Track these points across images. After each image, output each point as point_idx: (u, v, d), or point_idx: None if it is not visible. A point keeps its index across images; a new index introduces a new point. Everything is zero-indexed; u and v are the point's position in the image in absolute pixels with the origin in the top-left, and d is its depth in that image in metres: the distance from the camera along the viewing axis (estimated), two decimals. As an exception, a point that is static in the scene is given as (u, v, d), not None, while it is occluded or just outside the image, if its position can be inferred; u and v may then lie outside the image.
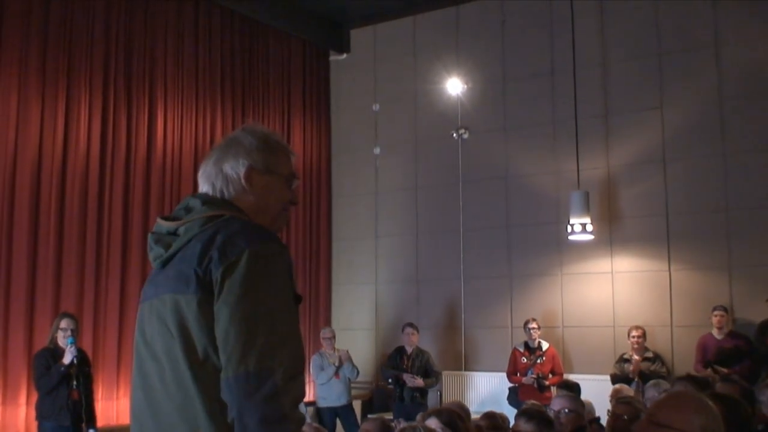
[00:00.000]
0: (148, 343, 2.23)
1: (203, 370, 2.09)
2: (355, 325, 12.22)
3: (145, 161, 9.98)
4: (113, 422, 8.96)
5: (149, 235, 2.34)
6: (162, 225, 2.32)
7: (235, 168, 2.37)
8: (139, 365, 2.26)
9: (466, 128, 11.35)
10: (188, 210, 2.31)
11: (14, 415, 8.36)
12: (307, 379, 9.91)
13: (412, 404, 9.69)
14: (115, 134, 9.65)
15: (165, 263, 2.27)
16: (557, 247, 10.70)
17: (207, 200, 2.34)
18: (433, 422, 4.44)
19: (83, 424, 7.73)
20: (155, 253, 2.29)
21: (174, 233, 2.28)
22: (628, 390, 8.24)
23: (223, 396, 2.05)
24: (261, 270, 2.11)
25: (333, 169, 12.91)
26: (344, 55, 12.90)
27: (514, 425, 4.80)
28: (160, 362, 2.17)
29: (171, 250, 2.25)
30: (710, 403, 2.81)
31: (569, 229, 10.01)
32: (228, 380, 2.04)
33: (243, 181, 2.36)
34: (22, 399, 8.39)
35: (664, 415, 2.77)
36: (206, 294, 2.10)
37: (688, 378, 6.04)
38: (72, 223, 9.07)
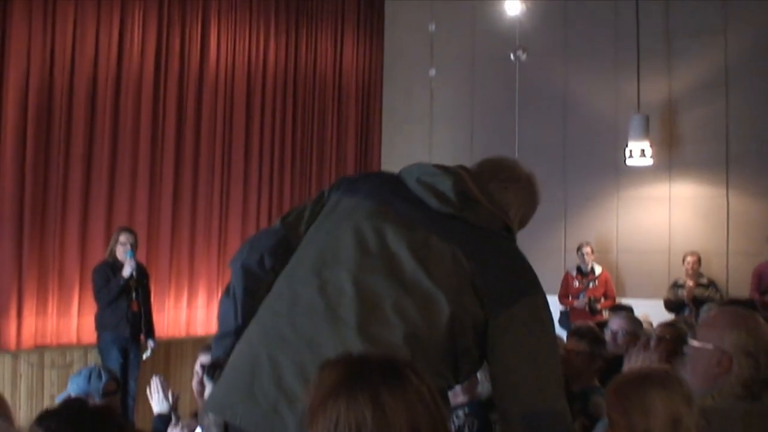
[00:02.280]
0: (391, 256, 2.27)
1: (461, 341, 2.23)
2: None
3: (197, 80, 9.99)
4: (164, 334, 9.13)
5: (431, 172, 2.42)
6: (444, 183, 2.38)
7: (512, 205, 2.53)
8: (355, 259, 2.28)
9: (524, 49, 11.13)
10: (464, 186, 2.40)
11: (68, 325, 8.56)
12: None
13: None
14: (169, 53, 9.64)
15: (434, 213, 2.36)
16: (614, 172, 10.54)
17: (493, 206, 2.44)
18: None
19: (142, 336, 7.92)
20: (439, 197, 2.36)
21: (447, 198, 2.37)
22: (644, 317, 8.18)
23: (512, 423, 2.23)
24: (547, 314, 2.33)
25: (385, 91, 12.77)
26: (400, -27, 12.69)
27: (567, 344, 4.81)
28: (406, 286, 2.23)
29: (456, 212, 2.35)
30: (757, 319, 2.77)
31: (627, 153, 9.88)
32: (533, 414, 2.21)
33: (506, 219, 2.49)
34: (74, 310, 8.58)
35: (703, 334, 2.79)
36: (478, 300, 2.25)
37: (732, 302, 5.99)
38: (125, 140, 9.15)
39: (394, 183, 2.47)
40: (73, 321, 8.57)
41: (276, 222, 2.58)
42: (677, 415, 2.28)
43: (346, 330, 2.13)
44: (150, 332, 7.98)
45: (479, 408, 4.23)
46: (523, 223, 2.62)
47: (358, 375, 1.54)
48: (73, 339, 8.54)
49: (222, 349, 2.43)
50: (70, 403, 2.87)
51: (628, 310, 7.97)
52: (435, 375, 2.15)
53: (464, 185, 2.39)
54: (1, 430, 0.96)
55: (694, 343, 2.78)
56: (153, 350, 8.07)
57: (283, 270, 2.41)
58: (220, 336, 2.48)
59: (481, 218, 2.38)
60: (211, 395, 2.33)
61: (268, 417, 2.05)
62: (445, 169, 2.43)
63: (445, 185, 2.37)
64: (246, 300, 2.42)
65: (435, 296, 2.21)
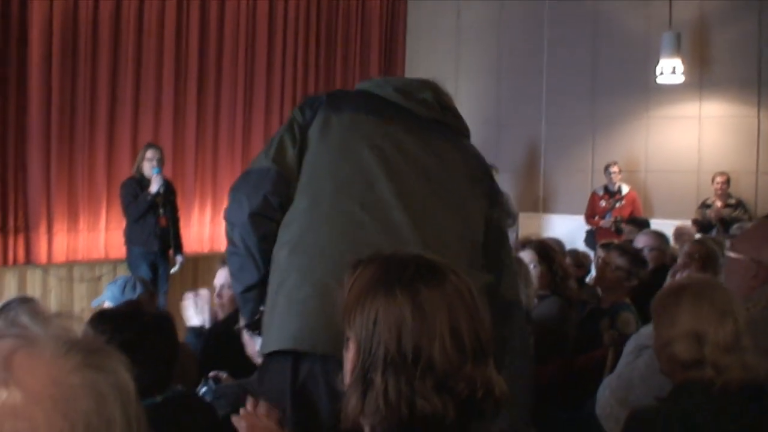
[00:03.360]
0: (414, 161, 2.35)
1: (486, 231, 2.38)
2: (434, 166, 12.13)
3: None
4: (191, 250, 9.21)
5: (406, 82, 2.53)
6: (426, 97, 2.48)
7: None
8: (387, 174, 2.31)
9: (554, -36, 10.91)
10: (441, 97, 2.53)
11: (96, 240, 8.65)
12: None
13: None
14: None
15: (425, 121, 2.46)
16: (644, 90, 10.37)
17: (460, 120, 2.59)
18: (527, 254, 4.43)
19: (170, 251, 7.98)
20: (424, 104, 2.46)
21: (433, 106, 2.49)
22: (690, 230, 8.15)
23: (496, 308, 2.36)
24: None
25: (410, 7, 12.58)
26: None
27: (606, 256, 4.76)
28: (440, 188, 2.33)
29: (442, 119, 2.48)
30: None
31: (658, 71, 9.73)
32: (512, 303, 2.36)
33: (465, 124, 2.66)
34: (103, 225, 8.66)
35: (739, 246, 2.79)
36: (487, 198, 2.41)
37: (771, 216, 5.93)
38: (149, 56, 9.10)
39: (372, 97, 2.48)
40: (101, 236, 8.65)
41: (258, 162, 2.49)
42: (701, 330, 2.24)
43: (406, 242, 2.16)
44: (178, 247, 8.04)
45: None
46: None
47: (396, 272, 1.52)
48: (102, 254, 8.62)
49: (252, 302, 2.43)
50: (127, 306, 2.87)
51: (645, 224, 7.97)
52: (483, 269, 2.26)
53: (442, 95, 2.51)
54: (37, 311, 0.99)
55: (731, 254, 2.76)
56: (182, 264, 8.14)
57: (294, 203, 2.38)
58: (245, 290, 2.46)
59: (458, 123, 2.52)
60: (278, 333, 2.29)
61: None
62: (418, 80, 2.54)
63: (427, 94, 2.46)
64: (262, 247, 2.39)
65: (470, 199, 2.32)
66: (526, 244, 4.60)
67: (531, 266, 4.33)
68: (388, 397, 1.45)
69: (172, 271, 8.06)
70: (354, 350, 1.52)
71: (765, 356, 2.45)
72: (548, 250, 4.47)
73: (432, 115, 2.42)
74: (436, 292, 1.48)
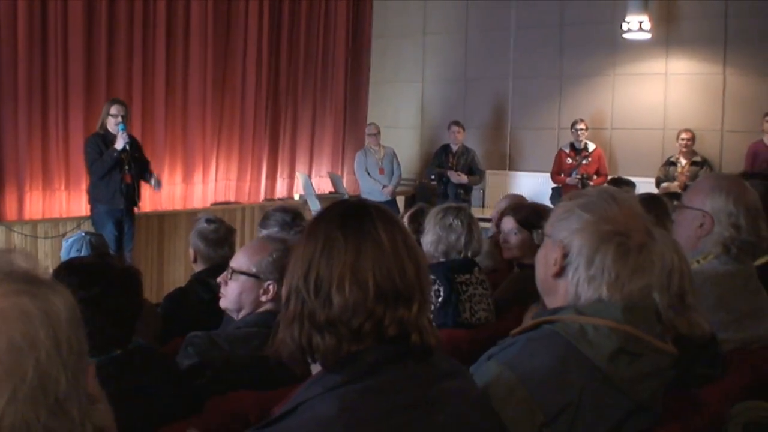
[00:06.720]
0: None
1: None
2: (401, 124, 12.20)
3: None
4: (161, 207, 9.23)
5: None
6: None
7: None
8: None
9: None
10: None
11: (78, 200, 8.59)
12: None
13: (456, 201, 9.77)
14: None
15: None
16: (611, 47, 10.42)
17: None
18: (507, 221, 4.42)
19: (136, 208, 7.94)
20: None
21: None
22: (675, 188, 8.22)
23: None
24: None
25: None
26: None
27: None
28: None
29: None
30: (741, 183, 2.83)
31: (625, 27, 9.76)
32: None
33: None
34: (84, 185, 8.56)
35: (688, 197, 2.88)
36: None
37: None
38: (120, 10, 9.01)
39: None
40: (82, 196, 8.56)
41: None
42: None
43: None
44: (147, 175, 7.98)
45: (446, 270, 3.79)
46: None
47: (326, 218, 1.66)
48: (83, 212, 8.52)
49: None
50: (95, 259, 2.84)
51: (629, 184, 7.97)
52: None
53: None
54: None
55: (680, 206, 2.84)
56: (158, 181, 8.07)
57: None
58: None
59: None
60: None
61: None
62: None
63: None
64: None
65: None
66: (514, 209, 4.53)
67: (512, 234, 4.38)
68: (293, 331, 1.58)
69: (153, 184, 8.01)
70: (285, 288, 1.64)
71: (713, 310, 2.52)
72: (530, 218, 4.36)
73: None
74: (350, 237, 1.58)
